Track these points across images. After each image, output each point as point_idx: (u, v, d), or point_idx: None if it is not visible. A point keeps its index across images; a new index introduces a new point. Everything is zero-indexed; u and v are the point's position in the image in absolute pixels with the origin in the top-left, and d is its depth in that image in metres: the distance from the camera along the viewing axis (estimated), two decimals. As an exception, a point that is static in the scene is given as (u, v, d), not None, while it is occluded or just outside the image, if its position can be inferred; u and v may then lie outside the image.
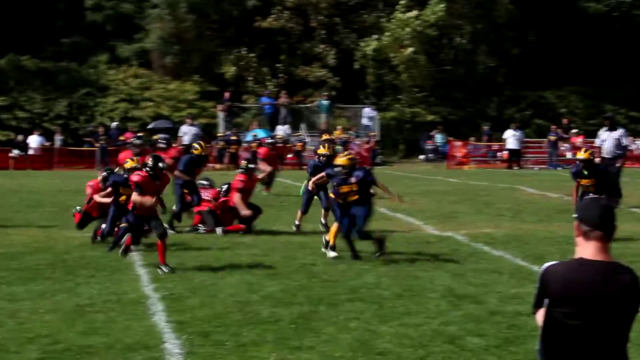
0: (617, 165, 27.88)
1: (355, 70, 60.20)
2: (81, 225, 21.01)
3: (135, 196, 17.24)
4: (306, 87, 61.05)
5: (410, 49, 58.28)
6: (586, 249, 6.10)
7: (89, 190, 21.07)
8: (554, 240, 20.26)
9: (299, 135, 53.24)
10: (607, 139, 27.90)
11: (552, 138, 54.16)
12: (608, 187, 23.02)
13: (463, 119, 60.02)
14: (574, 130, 57.11)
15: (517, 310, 13.51)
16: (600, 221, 6.09)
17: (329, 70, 61.11)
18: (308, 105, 58.63)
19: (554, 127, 55.55)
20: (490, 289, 15.78)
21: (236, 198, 22.54)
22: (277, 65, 61.38)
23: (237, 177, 23.05)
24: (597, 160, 27.01)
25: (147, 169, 17.55)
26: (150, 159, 17.90)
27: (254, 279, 16.67)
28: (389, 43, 58.79)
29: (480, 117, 60.87)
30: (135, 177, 17.45)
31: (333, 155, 21.86)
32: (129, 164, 19.90)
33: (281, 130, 52.31)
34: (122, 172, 20.11)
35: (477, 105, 61.95)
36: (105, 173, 21.24)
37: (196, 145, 23.79)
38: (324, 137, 30.88)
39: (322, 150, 22.93)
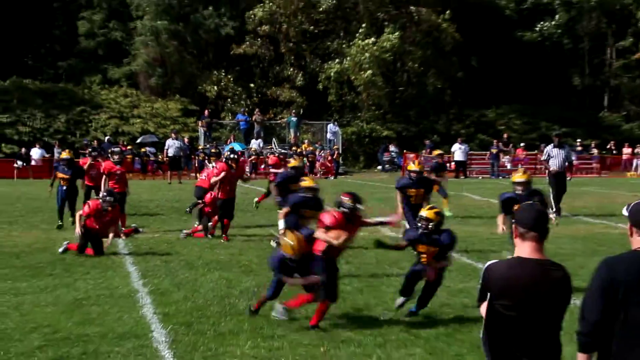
0: (568, 178, 28.03)
1: (320, 91, 60.37)
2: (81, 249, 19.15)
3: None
4: (277, 106, 61.21)
5: (369, 72, 58.45)
6: (523, 249, 6.13)
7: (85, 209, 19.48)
8: (496, 240, 20.30)
9: (270, 148, 53.28)
10: (556, 155, 27.86)
11: (494, 151, 54.41)
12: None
13: (415, 134, 60.13)
14: (522, 144, 57.53)
15: (464, 302, 13.56)
16: (534, 224, 6.13)
17: (297, 91, 61.30)
18: (278, 121, 58.78)
19: (496, 141, 55.80)
20: (442, 284, 15.80)
21: (213, 180, 22.01)
22: (251, 85, 61.57)
23: (217, 163, 22.79)
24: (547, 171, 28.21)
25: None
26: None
27: (232, 276, 16.65)
28: (350, 66, 58.94)
29: (430, 132, 61.05)
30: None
31: (302, 167, 21.45)
32: (63, 154, 24.32)
33: (255, 143, 52.42)
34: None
35: (427, 122, 62.12)
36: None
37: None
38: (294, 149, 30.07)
39: (293, 163, 22.14)
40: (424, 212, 13.21)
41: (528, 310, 5.98)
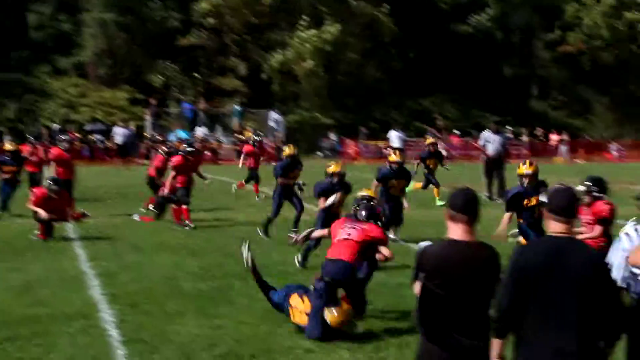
0: (504, 163, 28.16)
1: (263, 80, 60.29)
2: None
3: None
4: (221, 95, 60.95)
5: (310, 62, 58.50)
6: (455, 231, 6.18)
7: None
8: (430, 223, 20.43)
9: (216, 135, 53.12)
10: (493, 141, 28.08)
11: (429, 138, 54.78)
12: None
13: (354, 121, 60.21)
14: (456, 132, 57.97)
15: (400, 282, 13.61)
16: (465, 207, 6.16)
17: (241, 80, 61.16)
18: (223, 110, 58.60)
19: (431, 128, 56.16)
20: (383, 264, 15.86)
21: (171, 175, 21.26)
22: (197, 75, 61.25)
23: (173, 157, 21.74)
24: (482, 157, 28.17)
25: None
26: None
27: (177, 258, 16.60)
28: (292, 57, 58.91)
29: (369, 120, 61.23)
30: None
31: (297, 154, 20.54)
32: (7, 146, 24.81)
33: (200, 131, 52.24)
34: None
35: (365, 110, 62.26)
36: None
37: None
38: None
39: (287, 152, 20.53)
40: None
41: (459, 289, 6.02)
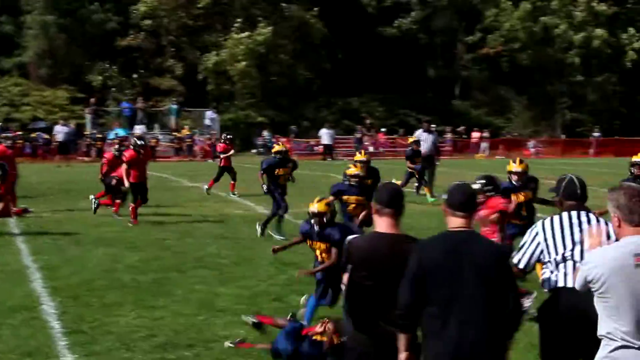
0: (437, 162, 28.19)
1: (199, 81, 60.02)
2: None
3: None
4: (159, 94, 60.52)
5: (244, 63, 58.40)
6: (380, 224, 6.18)
7: None
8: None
9: (154, 133, 52.74)
10: (426, 140, 27.85)
11: (358, 135, 55.04)
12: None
13: (286, 120, 60.13)
14: (383, 129, 58.23)
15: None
16: (390, 201, 6.17)
17: (177, 80, 60.79)
18: (160, 109, 58.21)
19: (359, 126, 56.41)
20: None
21: (122, 169, 20.64)
22: (135, 76, 60.76)
23: (126, 152, 21.04)
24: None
25: None
26: None
27: (117, 251, 16.48)
28: (226, 58, 58.71)
29: (300, 119, 61.26)
30: None
31: (286, 151, 19.37)
32: None
33: (138, 129, 51.82)
34: None
35: (297, 109, 62.26)
36: None
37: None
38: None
39: (277, 148, 19.49)
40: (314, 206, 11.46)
41: (384, 280, 6.02)
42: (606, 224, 6.59)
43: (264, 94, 61.44)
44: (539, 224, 6.83)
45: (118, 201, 21.49)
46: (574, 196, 6.90)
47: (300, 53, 62.94)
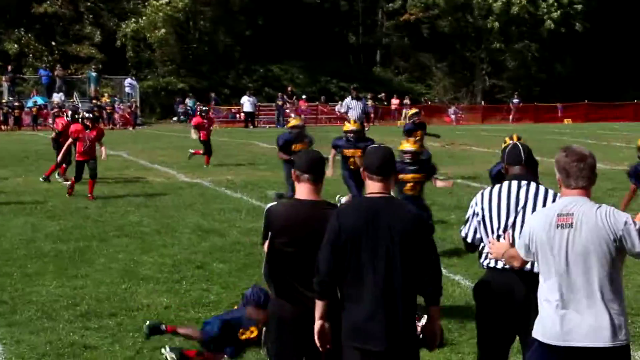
0: (366, 129, 27.12)
1: (118, 48, 59.33)
2: None
3: None
4: (77, 61, 59.71)
5: (163, 30, 57.93)
6: (300, 191, 6.17)
7: None
8: (282, 184, 20.60)
9: (73, 101, 52.01)
10: (355, 107, 27.20)
11: (279, 102, 54.96)
12: None
13: (207, 87, 59.81)
14: (304, 97, 58.17)
15: (254, 241, 13.65)
16: (309, 167, 6.17)
17: (96, 48, 59.96)
18: (79, 76, 57.47)
19: (280, 94, 56.35)
20: (232, 224, 15.94)
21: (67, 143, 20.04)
22: (52, 43, 59.78)
23: (73, 126, 20.04)
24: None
25: None
26: None
27: (37, 220, 16.31)
28: (145, 25, 58.16)
29: (221, 86, 61.00)
30: None
31: (303, 125, 17.63)
32: None
33: (57, 97, 51.04)
34: None
35: (218, 76, 61.94)
36: None
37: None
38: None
39: (292, 122, 17.85)
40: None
41: (304, 246, 6.02)
42: (547, 192, 6.52)
43: (184, 61, 61.04)
44: (479, 194, 6.72)
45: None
46: (517, 160, 6.68)
47: (220, 19, 62.55)
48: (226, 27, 63.13)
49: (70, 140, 19.75)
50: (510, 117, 62.70)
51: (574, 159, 5.42)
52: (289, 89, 59.14)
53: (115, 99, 53.56)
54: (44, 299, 10.67)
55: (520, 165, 6.63)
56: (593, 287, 5.19)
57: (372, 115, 27.63)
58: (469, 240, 6.65)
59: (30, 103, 48.80)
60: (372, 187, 5.86)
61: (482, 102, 66.25)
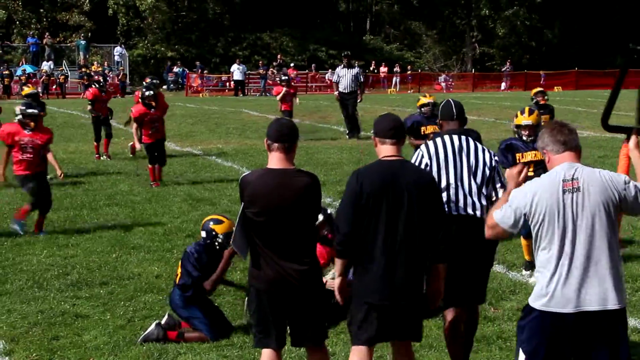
0: (358, 100, 26.03)
1: (108, 16, 58.96)
2: None
3: None
4: (66, 30, 59.39)
5: (153, -2, 57.71)
6: (271, 160, 6.16)
7: None
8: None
9: (61, 69, 51.78)
10: (345, 75, 26.10)
11: (262, 71, 54.85)
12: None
13: (196, 55, 59.57)
14: (292, 65, 57.96)
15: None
16: (278, 136, 6.14)
17: (85, 15, 59.58)
18: (68, 44, 57.17)
19: (261, 62, 56.17)
20: (222, 193, 15.93)
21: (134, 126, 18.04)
22: (41, 10, 59.36)
23: (134, 109, 17.31)
24: (335, 94, 26.06)
25: None
26: None
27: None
28: (136, -8, 57.94)
29: (210, 54, 60.79)
30: None
31: (435, 103, 13.59)
32: None
33: (46, 65, 50.82)
34: None
35: (208, 44, 61.68)
36: None
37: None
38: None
39: (422, 100, 14.18)
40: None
41: (276, 216, 6.03)
42: (488, 151, 6.95)
43: (174, 29, 60.76)
44: (422, 147, 7.01)
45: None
46: (450, 115, 7.11)
47: (210, -14, 62.25)
48: (216, -6, 62.85)
49: (135, 126, 17.50)
50: (503, 84, 62.37)
51: (558, 125, 5.55)
52: (279, 57, 58.95)
53: (107, 67, 53.35)
54: (34, 268, 10.66)
55: (453, 120, 7.10)
56: (597, 252, 5.25)
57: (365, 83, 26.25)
58: None
59: (19, 71, 48.60)
60: (385, 150, 6.19)
61: (473, 70, 66.14)
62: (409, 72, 61.55)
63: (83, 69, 50.43)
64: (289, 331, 6.34)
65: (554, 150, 5.47)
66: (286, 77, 22.93)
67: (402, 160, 6.20)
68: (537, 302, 5.36)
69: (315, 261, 6.26)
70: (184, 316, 8.34)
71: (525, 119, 10.62)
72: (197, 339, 8.15)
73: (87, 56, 54.91)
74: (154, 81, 20.20)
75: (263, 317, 6.20)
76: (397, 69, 60.10)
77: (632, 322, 8.45)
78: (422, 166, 6.83)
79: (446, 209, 6.64)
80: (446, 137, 6.97)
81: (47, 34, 55.02)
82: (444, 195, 6.72)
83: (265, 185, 6.07)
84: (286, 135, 6.17)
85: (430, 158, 6.88)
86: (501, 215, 5.54)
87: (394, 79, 59.60)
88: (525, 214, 5.41)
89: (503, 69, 63.68)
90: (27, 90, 18.74)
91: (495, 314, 8.86)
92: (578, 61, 64.42)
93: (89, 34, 57.32)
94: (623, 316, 5.34)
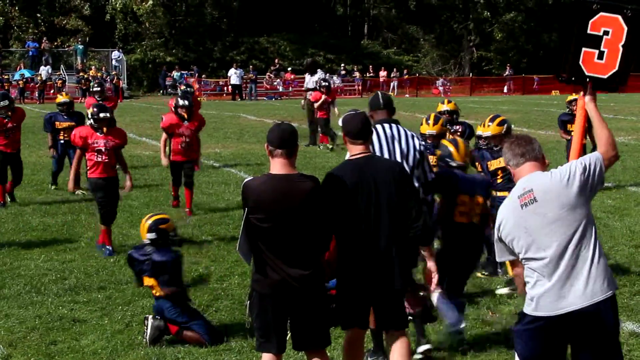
0: (316, 104, 24.55)
1: (106, 21, 58.92)
2: None
3: None
4: (64, 34, 59.41)
5: (150, 3, 57.62)
6: (274, 166, 6.15)
7: None
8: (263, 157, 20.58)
9: (59, 74, 51.78)
10: (308, 82, 26.41)
11: (252, 76, 54.82)
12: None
13: (194, 59, 59.58)
14: (290, 69, 57.97)
15: (242, 214, 13.61)
16: (281, 142, 6.15)
17: (83, 20, 59.57)
18: (66, 49, 57.21)
19: (251, 67, 56.20)
20: (220, 197, 15.95)
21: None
22: (39, 15, 59.38)
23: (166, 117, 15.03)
24: (302, 102, 25.90)
25: None
26: None
27: (25, 194, 16.25)
28: (133, -2, 57.93)
29: (208, 59, 60.81)
30: None
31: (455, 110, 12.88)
32: None
33: (44, 70, 50.85)
34: None
35: (205, 49, 61.70)
36: None
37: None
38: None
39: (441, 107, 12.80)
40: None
41: (281, 221, 6.03)
42: (417, 137, 7.48)
43: (172, 33, 60.79)
44: None
45: None
46: (377, 106, 7.61)
47: (208, -9, 62.30)
48: (214, -1, 62.91)
49: (164, 137, 14.83)
50: (505, 88, 62.08)
51: (516, 139, 5.66)
52: (277, 61, 59.00)
53: (106, 72, 53.38)
54: (32, 272, 10.66)
55: (382, 109, 7.58)
56: (574, 251, 5.29)
57: (333, 87, 24.78)
58: None
59: (17, 76, 48.65)
60: (355, 149, 6.48)
61: (470, 74, 66.14)
62: (406, 76, 61.63)
63: (81, 74, 50.53)
64: (289, 336, 6.34)
65: (514, 164, 5.62)
66: (326, 84, 21.68)
67: (368, 155, 6.49)
68: (527, 308, 5.45)
69: (319, 265, 6.27)
70: (183, 321, 8.33)
71: (429, 129, 10.66)
72: (195, 340, 8.15)
73: (85, 61, 54.95)
74: (189, 89, 19.24)
75: (265, 321, 6.20)
76: (395, 73, 60.15)
77: (629, 325, 8.46)
78: None
79: None
80: (378, 126, 7.36)
81: (44, 38, 55.07)
82: None
83: (270, 191, 6.07)
84: (288, 140, 6.17)
85: None
86: (499, 255, 5.69)
87: (392, 83, 59.61)
88: (502, 244, 5.52)
89: (505, 74, 63.49)
90: (60, 98, 17.71)
91: (494, 318, 8.87)
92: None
93: (87, 39, 57.35)
94: (614, 302, 5.36)
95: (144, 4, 57.55)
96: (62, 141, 16.73)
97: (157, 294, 8.34)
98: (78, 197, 15.83)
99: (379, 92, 7.92)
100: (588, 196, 5.39)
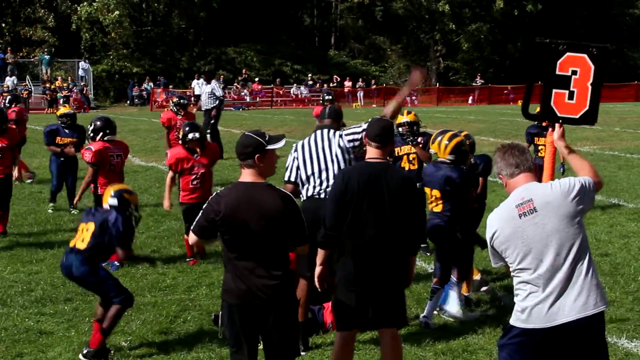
0: (214, 114, 24.30)
1: (72, 31, 58.62)
2: None
3: None
4: (30, 45, 59.04)
5: (116, 13, 57.39)
6: (243, 175, 6.17)
7: None
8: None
9: (25, 85, 51.46)
10: (203, 93, 25.29)
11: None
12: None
13: (161, 70, 59.41)
14: (257, 79, 57.90)
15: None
16: (244, 153, 6.13)
17: (49, 31, 59.25)
18: (31, 59, 56.86)
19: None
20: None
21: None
22: (4, 25, 59.00)
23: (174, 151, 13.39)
24: (194, 110, 24.82)
25: None
26: None
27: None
28: (99, 8, 57.56)
29: (175, 69, 60.66)
30: None
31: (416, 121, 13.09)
32: None
33: (9, 81, 50.51)
34: None
35: (172, 59, 61.55)
36: None
37: None
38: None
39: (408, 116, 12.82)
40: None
41: (246, 230, 6.00)
42: (338, 135, 8.17)
43: (139, 44, 60.62)
44: (298, 143, 8.18)
45: None
46: (322, 115, 8.62)
47: (174, 2, 62.13)
48: (180, 9, 62.76)
49: (170, 176, 12.22)
50: (470, 99, 62.38)
51: (509, 148, 5.67)
52: (244, 71, 58.98)
53: (72, 83, 53.10)
54: (-2, 285, 10.58)
55: (325, 118, 8.51)
56: (568, 264, 5.31)
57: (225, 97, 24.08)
58: (292, 179, 8.18)
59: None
60: (371, 152, 6.87)
61: (437, 84, 66.38)
62: (373, 86, 61.77)
63: (47, 84, 50.22)
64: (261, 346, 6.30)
65: (508, 175, 5.60)
66: (330, 97, 20.98)
67: (386, 163, 6.88)
68: (516, 320, 5.44)
69: (288, 275, 6.22)
70: (92, 281, 8.16)
71: (403, 118, 12.30)
72: (114, 317, 8.10)
73: (50, 71, 54.64)
74: (183, 101, 19.00)
75: (235, 332, 6.18)
76: (360, 83, 60.26)
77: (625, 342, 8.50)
78: (291, 159, 8.17)
79: (317, 195, 7.95)
80: (318, 132, 8.27)
81: (9, 48, 54.72)
82: (311, 182, 8.03)
83: (237, 199, 6.07)
84: (252, 152, 6.15)
85: (296, 151, 8.22)
86: (494, 261, 5.70)
87: (358, 93, 59.71)
88: (494, 250, 5.52)
89: (475, 83, 63.81)
90: (62, 110, 16.47)
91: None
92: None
93: (52, 49, 57.06)
94: (602, 318, 5.39)
95: (109, 14, 57.33)
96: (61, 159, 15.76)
97: (78, 247, 8.16)
98: (44, 208, 15.73)
99: (330, 106, 8.91)
100: (584, 211, 5.44)
